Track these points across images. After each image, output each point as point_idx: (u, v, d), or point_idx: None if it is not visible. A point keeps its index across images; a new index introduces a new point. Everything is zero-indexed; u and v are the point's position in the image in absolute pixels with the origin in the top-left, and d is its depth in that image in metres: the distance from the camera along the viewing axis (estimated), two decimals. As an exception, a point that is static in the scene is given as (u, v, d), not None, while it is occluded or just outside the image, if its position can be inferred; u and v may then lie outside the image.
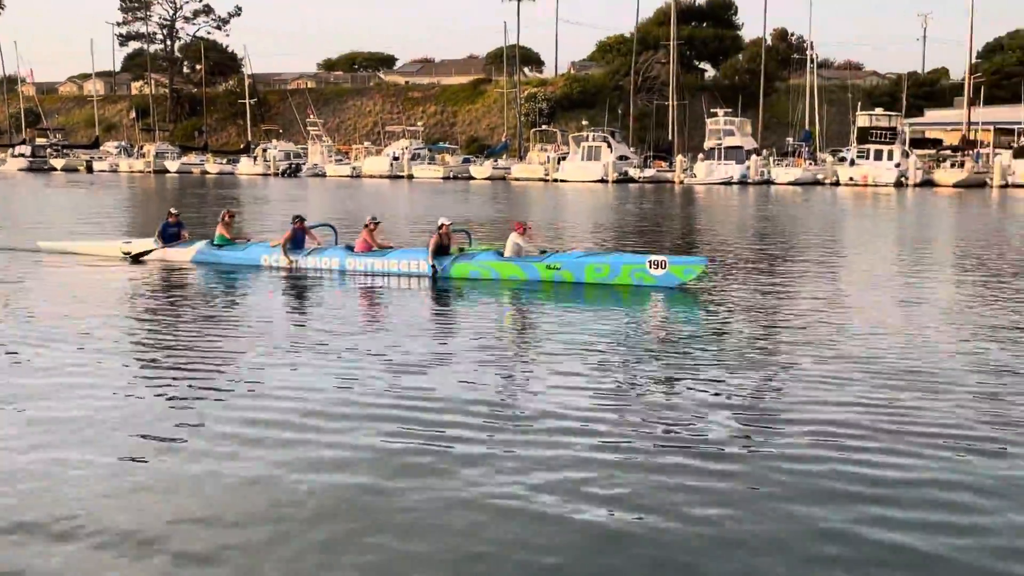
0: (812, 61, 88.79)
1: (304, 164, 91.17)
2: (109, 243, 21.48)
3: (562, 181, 75.82)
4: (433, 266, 16.83)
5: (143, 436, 7.39)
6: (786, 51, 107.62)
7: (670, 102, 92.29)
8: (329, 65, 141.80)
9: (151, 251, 19.47)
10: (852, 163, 70.92)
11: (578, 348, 11.14)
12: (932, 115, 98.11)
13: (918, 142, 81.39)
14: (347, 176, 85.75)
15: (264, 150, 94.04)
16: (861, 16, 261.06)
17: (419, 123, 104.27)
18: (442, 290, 16.29)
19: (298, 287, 16.84)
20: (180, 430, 7.59)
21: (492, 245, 18.12)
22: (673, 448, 7.13)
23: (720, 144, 75.59)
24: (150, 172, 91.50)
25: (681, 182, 73.81)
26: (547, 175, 79.40)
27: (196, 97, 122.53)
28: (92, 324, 12.34)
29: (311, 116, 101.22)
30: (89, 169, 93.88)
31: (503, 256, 17.09)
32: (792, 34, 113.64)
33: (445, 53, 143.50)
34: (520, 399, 8.85)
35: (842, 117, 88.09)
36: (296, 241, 18.54)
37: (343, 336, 11.97)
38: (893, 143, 71.75)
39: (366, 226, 18.18)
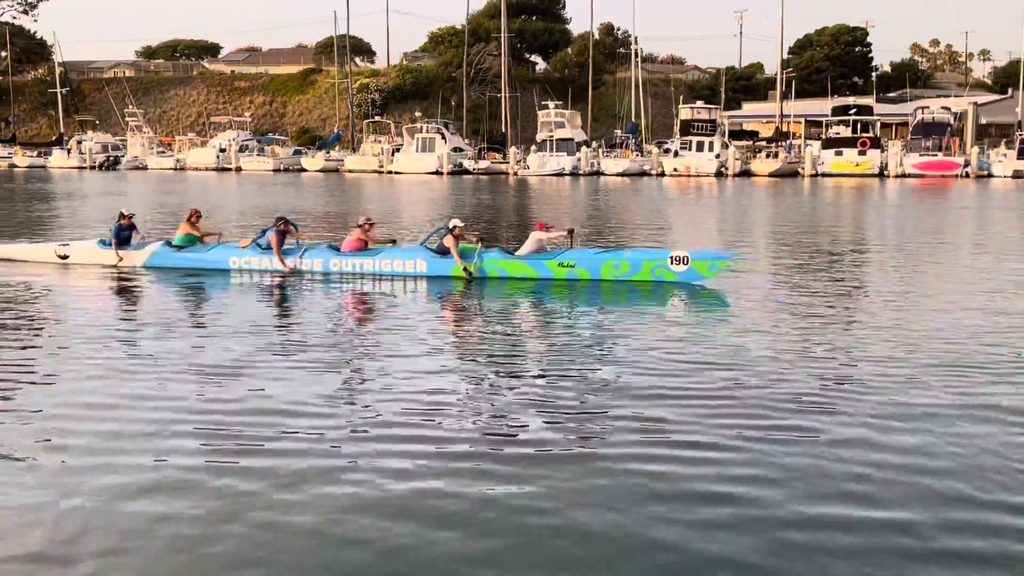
0: (637, 55, 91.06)
1: (123, 157, 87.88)
2: (43, 246, 19.67)
3: (397, 173, 75.89)
4: (466, 267, 16.06)
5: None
6: (612, 45, 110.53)
7: (502, 94, 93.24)
8: (149, 53, 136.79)
9: (120, 256, 17.84)
10: (676, 154, 73.36)
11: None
12: (749, 108, 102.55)
13: (736, 134, 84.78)
14: (170, 169, 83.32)
15: (79, 142, 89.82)
16: (683, 12, 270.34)
17: (247, 114, 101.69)
18: (437, 292, 15.42)
19: (288, 290, 15.72)
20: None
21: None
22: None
23: (552, 136, 76.63)
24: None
25: (515, 173, 74.67)
26: (381, 167, 79.27)
27: (2, 86, 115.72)
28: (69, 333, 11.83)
29: (130, 106, 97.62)
30: None
31: (514, 254, 16.63)
32: (618, 29, 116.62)
33: (273, 42, 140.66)
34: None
35: (666, 110, 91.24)
36: (266, 241, 17.34)
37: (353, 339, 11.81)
38: (713, 135, 74.62)
39: (360, 226, 17.47)
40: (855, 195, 48.37)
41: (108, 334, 11.85)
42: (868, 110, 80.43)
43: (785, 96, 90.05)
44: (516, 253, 16.56)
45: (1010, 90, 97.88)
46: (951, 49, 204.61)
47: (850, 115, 76.19)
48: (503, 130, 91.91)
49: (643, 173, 72.24)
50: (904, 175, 66.21)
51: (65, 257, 18.31)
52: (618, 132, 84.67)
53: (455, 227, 16.59)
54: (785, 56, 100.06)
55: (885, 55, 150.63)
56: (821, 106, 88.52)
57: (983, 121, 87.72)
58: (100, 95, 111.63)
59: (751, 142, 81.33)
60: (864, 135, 71.83)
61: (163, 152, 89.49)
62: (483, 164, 78.82)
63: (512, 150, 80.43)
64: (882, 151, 69.63)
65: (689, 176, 68.79)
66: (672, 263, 15.94)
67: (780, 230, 27.99)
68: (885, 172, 67.46)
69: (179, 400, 8.59)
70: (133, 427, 7.72)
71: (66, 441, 7.39)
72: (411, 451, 7.14)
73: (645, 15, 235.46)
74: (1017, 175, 65.00)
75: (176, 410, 8.24)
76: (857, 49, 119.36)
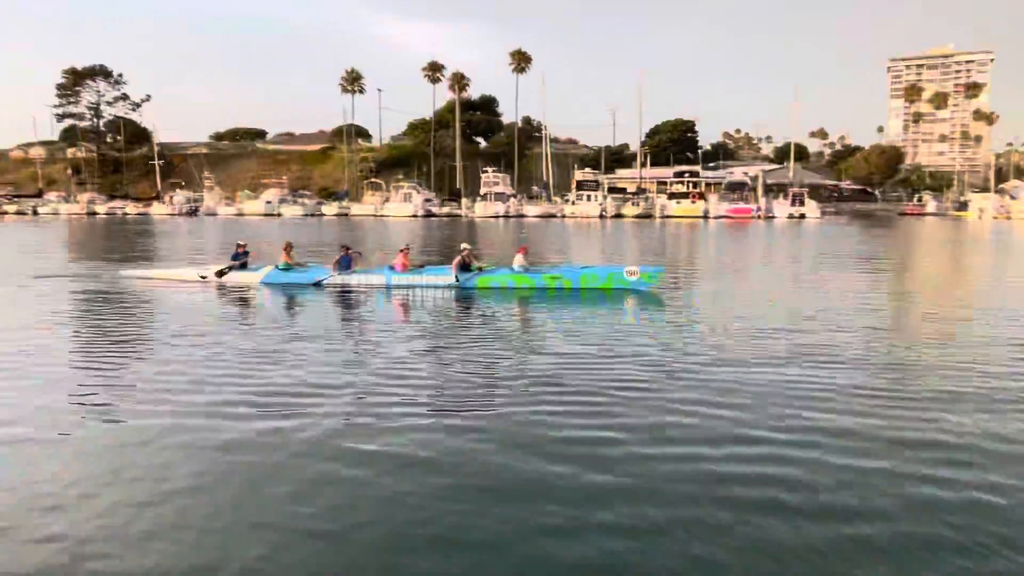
0: (546, 138, 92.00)
1: (200, 206, 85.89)
2: (186, 270, 17.94)
3: (387, 216, 75.33)
4: (456, 278, 15.43)
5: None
6: (530, 131, 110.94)
7: (458, 164, 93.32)
8: (218, 136, 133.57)
9: (226, 271, 16.79)
10: (573, 203, 74.24)
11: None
12: (620, 172, 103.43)
13: (612, 189, 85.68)
14: (233, 215, 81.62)
15: (171, 197, 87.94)
16: (577, 109, 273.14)
17: (284, 177, 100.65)
18: (465, 298, 14.56)
19: (358, 299, 14.58)
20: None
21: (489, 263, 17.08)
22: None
23: (491, 191, 77.10)
24: (84, 215, 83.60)
25: (467, 216, 74.77)
26: (376, 212, 78.67)
27: (118, 159, 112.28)
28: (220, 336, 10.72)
29: (205, 173, 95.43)
30: (35, 213, 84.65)
31: (514, 270, 15.78)
32: (533, 120, 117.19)
33: (302, 128, 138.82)
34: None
35: (566, 173, 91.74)
36: (344, 263, 16.33)
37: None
38: (597, 190, 75.66)
39: (402, 251, 16.45)
40: (689, 229, 49.38)
41: (248, 329, 11.56)
42: (696, 174, 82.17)
43: (643, 165, 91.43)
44: (514, 268, 15.82)
45: (785, 161, 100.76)
46: (748, 135, 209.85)
47: (685, 178, 77.78)
48: (458, 187, 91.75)
49: (552, 215, 72.61)
50: (719, 216, 67.68)
51: (204, 278, 16.90)
52: (535, 188, 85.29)
53: (464, 250, 16.12)
54: (643, 138, 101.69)
55: (707, 139, 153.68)
56: (667, 172, 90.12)
57: (769, 181, 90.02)
58: (185, 165, 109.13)
59: (622, 195, 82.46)
60: (694, 191, 73.53)
61: (228, 203, 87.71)
62: (445, 210, 78.67)
63: (464, 200, 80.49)
64: (705, 201, 71.14)
65: (582, 218, 69.50)
66: (627, 275, 15.49)
67: (647, 250, 28.52)
68: (707, 214, 68.88)
69: (323, 371, 8.21)
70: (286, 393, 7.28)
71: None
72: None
73: (552, 110, 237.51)
74: (791, 216, 66.98)
75: (323, 378, 7.89)
76: (689, 134, 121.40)
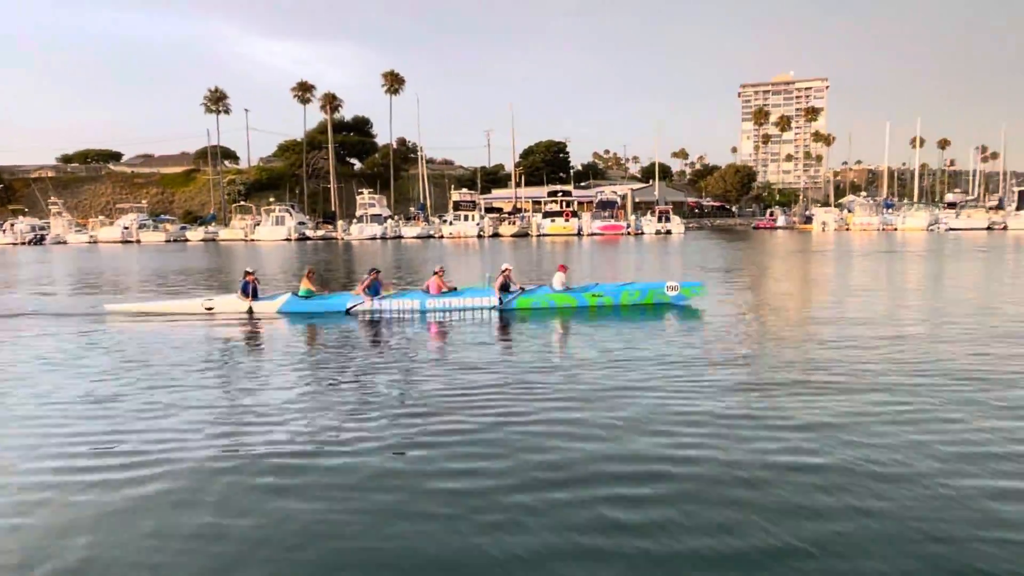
0: (422, 159, 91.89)
1: (47, 234, 78.60)
2: (190, 301, 16.55)
3: (258, 240, 72.36)
4: (500, 299, 15.21)
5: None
6: (405, 152, 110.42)
7: (332, 185, 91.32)
8: (67, 159, 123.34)
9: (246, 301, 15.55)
10: (450, 223, 74.35)
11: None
12: (496, 192, 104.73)
13: (488, 209, 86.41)
14: (85, 242, 75.35)
15: (12, 225, 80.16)
16: (452, 128, 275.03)
17: (143, 201, 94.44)
18: (506, 319, 14.41)
19: (396, 325, 13.99)
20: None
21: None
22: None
23: (367, 212, 75.82)
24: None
25: (342, 238, 73.15)
26: (246, 236, 75.36)
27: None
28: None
29: (51, 197, 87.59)
30: None
31: (554, 289, 15.62)
32: (408, 140, 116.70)
33: (162, 149, 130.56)
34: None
35: (443, 194, 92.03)
36: (374, 288, 15.60)
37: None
38: (474, 210, 76.25)
39: (436, 273, 15.95)
40: (565, 246, 50.70)
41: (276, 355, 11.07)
42: (569, 194, 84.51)
43: (518, 185, 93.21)
44: (554, 287, 15.68)
45: (651, 180, 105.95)
46: (616, 156, 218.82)
47: (558, 197, 79.89)
48: (332, 209, 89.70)
49: (430, 236, 72.38)
50: (592, 233, 70.02)
51: (211, 309, 15.70)
52: (412, 209, 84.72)
53: (506, 269, 15.86)
54: (517, 159, 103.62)
55: (579, 159, 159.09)
56: (541, 191, 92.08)
57: (637, 200, 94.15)
58: (28, 191, 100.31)
59: (498, 215, 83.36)
60: (567, 209, 75.50)
61: (80, 230, 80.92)
62: (320, 232, 76.59)
63: (339, 223, 78.72)
64: (579, 219, 73.34)
65: (459, 237, 69.67)
66: (668, 290, 15.72)
67: (527, 264, 28.91)
68: (581, 232, 71.05)
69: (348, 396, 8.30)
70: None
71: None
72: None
73: (428, 131, 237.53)
74: (658, 232, 70.32)
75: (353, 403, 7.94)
76: (561, 155, 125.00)
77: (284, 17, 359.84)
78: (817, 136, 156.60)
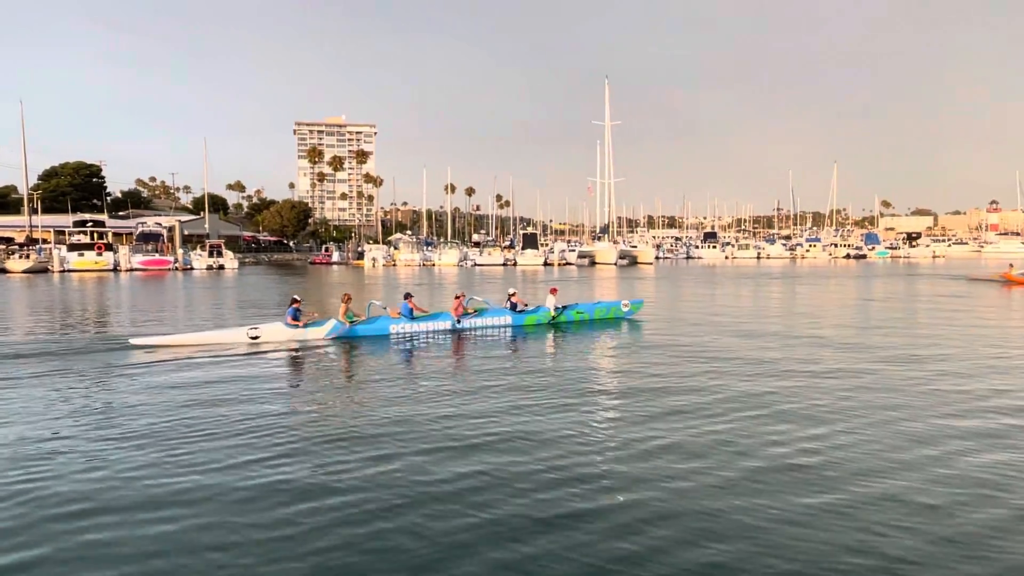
0: None
1: None
2: (234, 331, 16.15)
3: None
4: (512, 318, 18.55)
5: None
6: None
7: None
8: None
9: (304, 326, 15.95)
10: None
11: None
12: (5, 219, 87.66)
13: None
14: None
15: None
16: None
17: None
18: (517, 336, 17.18)
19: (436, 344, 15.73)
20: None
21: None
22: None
23: None
24: None
25: None
26: None
27: None
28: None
29: None
30: None
31: (549, 308, 19.08)
32: None
33: None
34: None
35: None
36: (406, 310, 17.32)
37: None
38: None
39: (457, 297, 18.24)
40: (99, 284, 44.26)
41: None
42: (102, 223, 74.91)
43: (35, 211, 79.02)
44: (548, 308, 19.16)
45: (202, 213, 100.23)
46: (165, 184, 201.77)
47: (88, 227, 70.15)
48: None
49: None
50: (132, 269, 62.95)
51: (256, 339, 15.73)
52: None
53: (514, 293, 18.96)
54: (36, 182, 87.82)
55: (119, 185, 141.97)
56: (67, 220, 79.61)
57: (187, 232, 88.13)
58: None
59: (6, 246, 69.45)
60: (100, 241, 66.50)
61: None
62: None
63: None
64: (115, 252, 65.14)
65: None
66: (623, 307, 20.63)
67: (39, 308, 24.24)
68: (118, 267, 63.28)
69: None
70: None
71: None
72: None
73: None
74: (210, 267, 66.70)
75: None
76: (95, 180, 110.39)
77: None
78: (368, 177, 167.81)
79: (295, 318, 16.19)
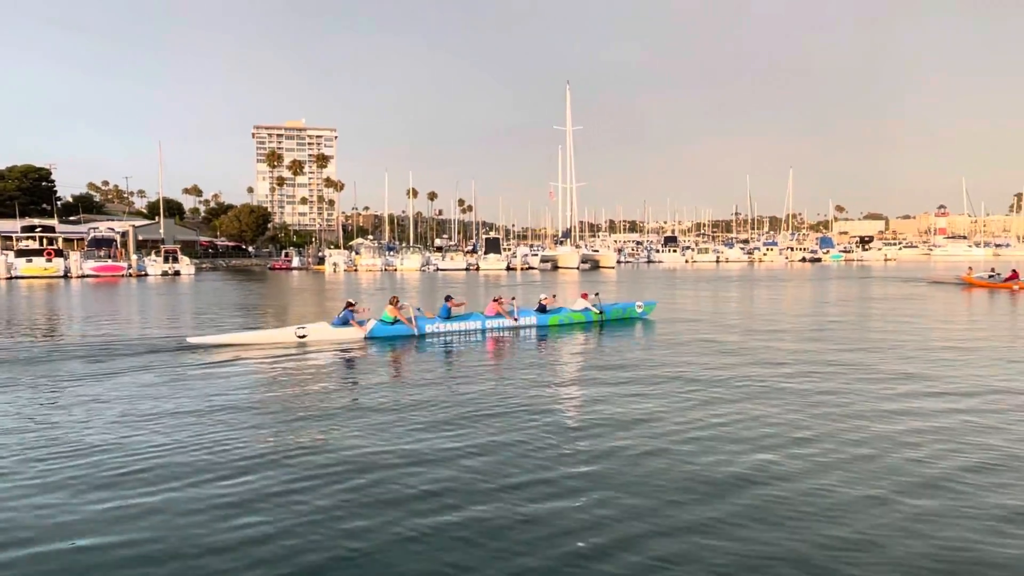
0: None
1: None
2: (283, 330, 17.07)
3: None
4: (538, 319, 19.62)
5: None
6: None
7: None
8: None
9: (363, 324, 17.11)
10: None
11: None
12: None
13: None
14: None
15: None
16: None
17: None
18: (542, 337, 17.81)
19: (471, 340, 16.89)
20: None
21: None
22: None
23: None
24: None
25: None
26: None
27: None
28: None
29: None
30: None
31: (575, 309, 20.26)
32: None
33: None
34: None
35: None
36: (444, 311, 18.31)
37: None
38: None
39: (496, 300, 19.48)
40: (49, 291, 42.81)
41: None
42: (52, 229, 72.76)
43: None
44: (575, 308, 20.44)
45: (157, 217, 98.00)
46: (118, 188, 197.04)
47: (36, 232, 68.02)
48: None
49: None
50: (84, 276, 61.14)
51: (303, 337, 16.68)
52: None
53: (545, 297, 20.17)
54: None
55: (69, 189, 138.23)
56: (14, 225, 77.03)
57: (141, 237, 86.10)
58: None
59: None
60: (50, 247, 64.48)
61: None
62: None
63: None
64: (65, 258, 63.19)
65: None
66: (637, 308, 21.68)
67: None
68: (69, 274, 61.38)
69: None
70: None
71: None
72: None
73: None
74: (165, 273, 65.24)
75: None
76: (44, 183, 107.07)
77: None
78: (328, 182, 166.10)
79: (346, 322, 17.13)
